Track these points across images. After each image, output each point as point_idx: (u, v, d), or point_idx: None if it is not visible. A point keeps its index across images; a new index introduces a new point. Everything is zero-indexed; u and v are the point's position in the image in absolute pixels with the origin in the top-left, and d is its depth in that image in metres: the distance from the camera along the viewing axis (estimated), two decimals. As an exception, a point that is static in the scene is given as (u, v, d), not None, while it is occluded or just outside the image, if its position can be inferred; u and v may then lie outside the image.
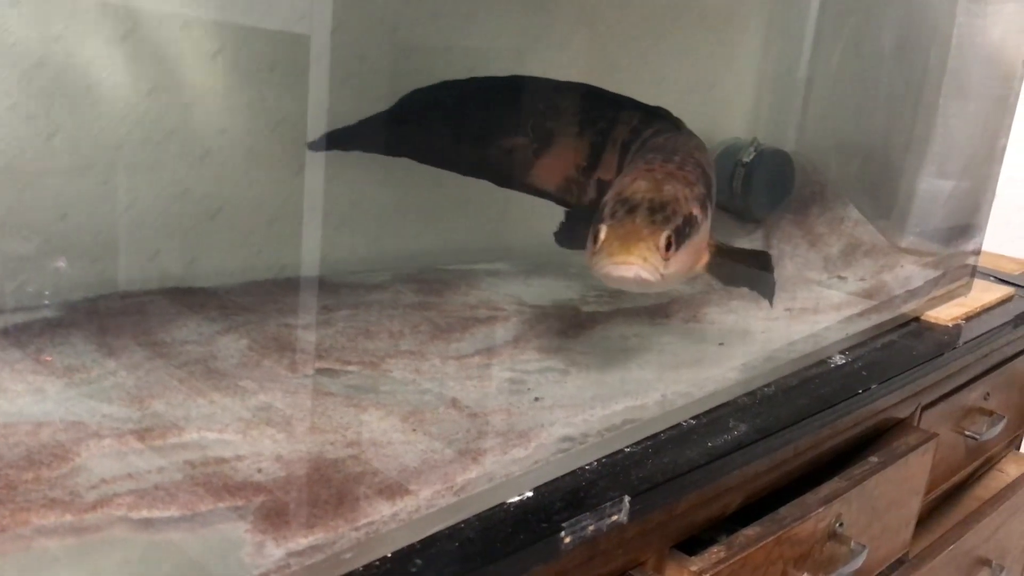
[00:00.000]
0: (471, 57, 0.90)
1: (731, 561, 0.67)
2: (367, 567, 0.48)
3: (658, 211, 0.67)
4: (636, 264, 0.64)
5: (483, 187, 0.89)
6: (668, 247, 0.65)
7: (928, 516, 0.98)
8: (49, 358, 0.62)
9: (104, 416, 0.58)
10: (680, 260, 0.68)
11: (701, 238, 0.72)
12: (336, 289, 0.81)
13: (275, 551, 0.47)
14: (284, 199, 0.81)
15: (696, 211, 0.70)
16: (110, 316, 0.71)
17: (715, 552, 0.68)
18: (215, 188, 0.79)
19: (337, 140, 0.80)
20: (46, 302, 0.71)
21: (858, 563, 0.78)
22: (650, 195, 0.68)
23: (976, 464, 1.10)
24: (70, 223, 0.72)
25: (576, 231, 0.75)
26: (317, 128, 0.79)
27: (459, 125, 0.86)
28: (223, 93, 0.77)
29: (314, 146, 0.80)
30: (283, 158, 0.81)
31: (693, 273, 0.75)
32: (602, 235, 0.65)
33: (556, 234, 0.80)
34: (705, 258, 0.74)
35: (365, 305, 0.77)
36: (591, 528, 0.56)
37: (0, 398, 0.59)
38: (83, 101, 0.70)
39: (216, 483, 0.52)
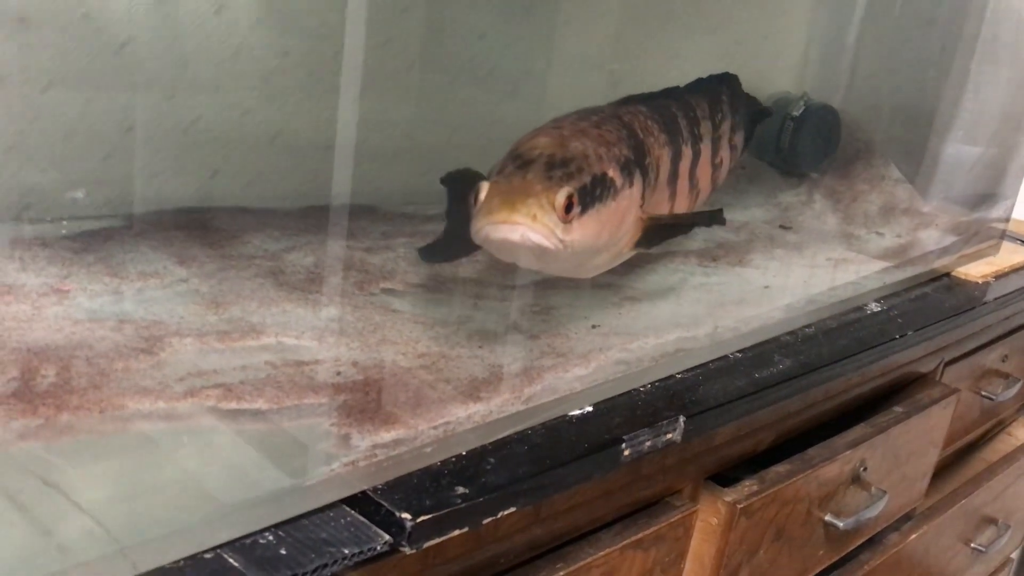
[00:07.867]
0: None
1: (763, 495, 0.70)
2: (444, 462, 0.51)
3: (558, 167, 0.56)
4: (523, 224, 0.52)
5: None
6: (569, 208, 0.54)
7: (938, 474, 1.01)
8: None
9: (182, 318, 0.60)
10: (589, 227, 0.56)
11: (622, 205, 0.60)
12: (392, 218, 0.83)
13: (360, 442, 0.50)
14: (341, 127, 0.82)
15: (613, 173, 0.59)
16: (176, 228, 0.73)
17: (748, 485, 0.71)
18: (275, 111, 0.80)
19: None
20: (111, 212, 0.73)
21: (879, 508, 0.81)
22: (551, 150, 0.57)
23: (988, 425, 1.14)
24: (134, 137, 0.73)
25: (451, 245, 0.66)
26: (357, 55, 0.80)
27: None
28: (287, 16, 0.78)
29: None
30: (341, 86, 0.82)
31: (617, 251, 0.63)
32: (483, 194, 0.54)
33: (422, 250, 0.70)
34: (636, 234, 0.64)
35: (422, 234, 0.79)
36: (648, 443, 0.59)
37: (80, 296, 0.61)
38: (153, 15, 0.71)
39: (299, 382, 0.54)
